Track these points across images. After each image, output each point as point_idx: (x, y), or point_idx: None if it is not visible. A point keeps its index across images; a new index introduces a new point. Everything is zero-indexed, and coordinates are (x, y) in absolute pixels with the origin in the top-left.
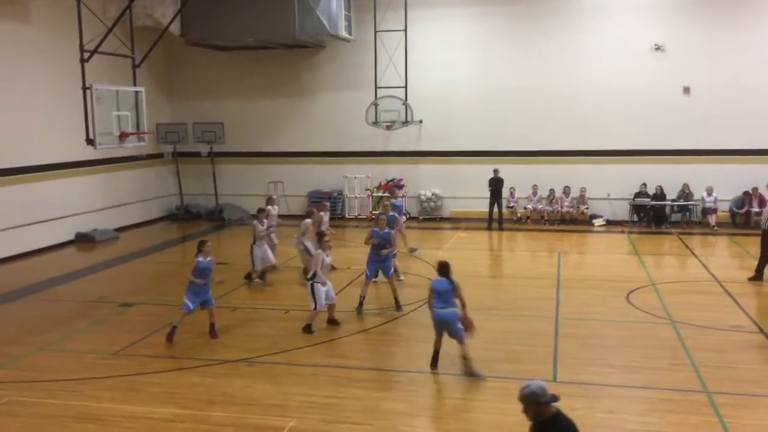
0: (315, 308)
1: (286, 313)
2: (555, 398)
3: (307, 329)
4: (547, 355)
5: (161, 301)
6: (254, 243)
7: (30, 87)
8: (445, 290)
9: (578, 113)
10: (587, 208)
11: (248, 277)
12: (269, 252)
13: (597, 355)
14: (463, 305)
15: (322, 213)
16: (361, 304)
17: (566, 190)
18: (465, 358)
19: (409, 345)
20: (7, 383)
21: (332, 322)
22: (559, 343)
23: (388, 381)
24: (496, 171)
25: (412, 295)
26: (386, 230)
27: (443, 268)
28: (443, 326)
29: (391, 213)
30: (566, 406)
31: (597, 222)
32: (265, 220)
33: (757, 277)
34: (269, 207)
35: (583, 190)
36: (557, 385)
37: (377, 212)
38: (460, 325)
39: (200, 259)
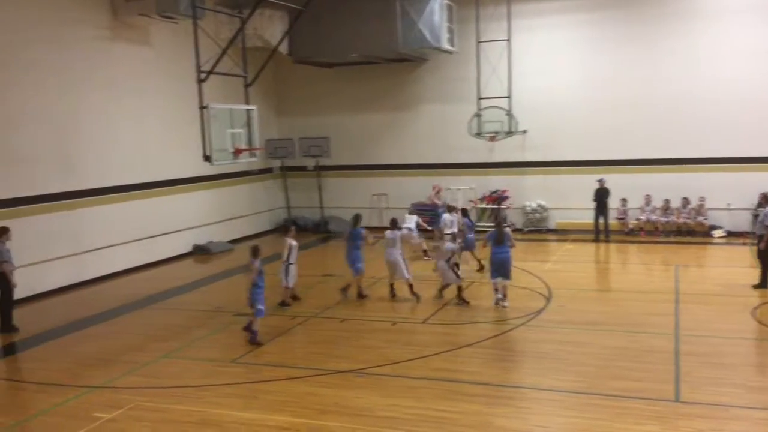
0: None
1: (393, 325)
2: None
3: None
4: (668, 374)
5: (272, 312)
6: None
7: (151, 107)
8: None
9: (693, 119)
10: (706, 219)
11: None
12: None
13: (722, 374)
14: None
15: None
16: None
17: (684, 201)
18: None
19: (521, 360)
20: (134, 389)
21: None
22: (680, 362)
23: (500, 396)
24: (601, 181)
25: (523, 308)
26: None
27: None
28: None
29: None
30: (691, 429)
31: (716, 233)
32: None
33: None
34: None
35: (701, 199)
36: (680, 406)
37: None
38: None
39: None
